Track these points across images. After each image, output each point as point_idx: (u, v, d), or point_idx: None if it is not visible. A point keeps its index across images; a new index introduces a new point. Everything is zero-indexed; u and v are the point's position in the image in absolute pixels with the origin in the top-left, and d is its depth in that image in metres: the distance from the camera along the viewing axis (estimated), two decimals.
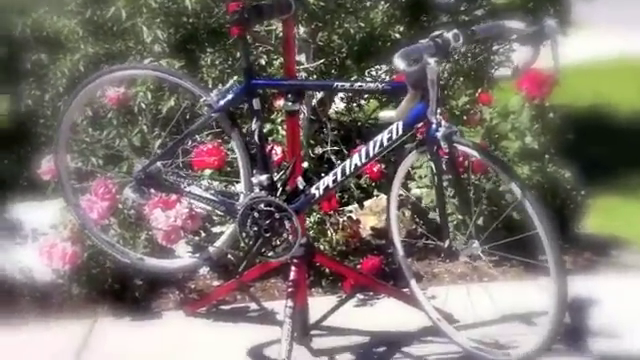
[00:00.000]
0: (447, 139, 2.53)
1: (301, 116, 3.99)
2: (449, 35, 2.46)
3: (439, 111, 2.52)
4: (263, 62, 4.06)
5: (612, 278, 3.58)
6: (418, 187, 3.77)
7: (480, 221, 3.15)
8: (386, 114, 2.49)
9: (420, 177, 3.73)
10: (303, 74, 3.98)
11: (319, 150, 4.27)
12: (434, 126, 2.53)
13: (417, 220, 3.72)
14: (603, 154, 4.90)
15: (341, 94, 4.52)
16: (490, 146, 3.61)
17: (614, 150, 5.01)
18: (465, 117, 4.03)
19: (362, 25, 4.20)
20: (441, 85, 4.06)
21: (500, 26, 2.62)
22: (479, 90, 4.08)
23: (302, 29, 4.03)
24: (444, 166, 2.58)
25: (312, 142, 4.29)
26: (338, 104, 4.77)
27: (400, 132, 2.60)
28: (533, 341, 2.69)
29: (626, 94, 5.99)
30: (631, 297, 3.36)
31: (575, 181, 3.82)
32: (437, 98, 2.46)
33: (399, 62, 2.32)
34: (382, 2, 4.26)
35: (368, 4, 4.28)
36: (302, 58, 4.09)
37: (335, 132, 4.41)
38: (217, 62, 4.01)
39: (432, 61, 2.35)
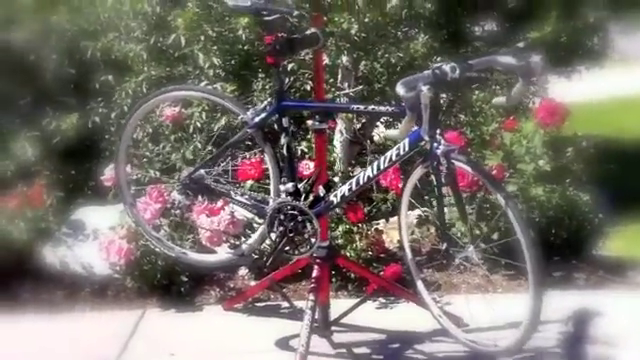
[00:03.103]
0: (445, 156, 3.17)
1: (340, 138, 4.73)
2: (447, 67, 3.11)
3: (439, 131, 3.16)
4: (308, 87, 4.77)
5: (621, 295, 4.08)
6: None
7: (495, 236, 3.80)
8: (391, 133, 3.18)
9: (444, 196, 4.36)
10: (345, 99, 4.67)
11: (359, 170, 4.94)
12: (434, 144, 3.17)
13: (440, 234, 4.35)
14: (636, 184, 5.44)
15: (382, 119, 5.21)
16: (508, 168, 4.24)
17: None
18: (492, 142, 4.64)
19: (402, 55, 4.86)
20: (473, 112, 4.80)
21: (494, 60, 3.23)
22: (510, 117, 4.68)
23: (345, 58, 4.73)
24: (443, 179, 3.24)
25: (353, 162, 4.98)
26: (382, 128, 5.44)
27: (407, 149, 3.24)
28: (513, 339, 3.27)
29: None
30: (635, 312, 3.84)
31: (593, 205, 4.39)
32: (434, 120, 3.10)
33: (399, 89, 2.99)
34: (422, 34, 4.92)
35: (409, 36, 4.95)
36: (344, 85, 4.78)
37: (376, 155, 5.08)
38: (267, 87, 4.71)
39: (425, 88, 2.99)
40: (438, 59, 4.92)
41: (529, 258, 3.10)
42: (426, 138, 3.13)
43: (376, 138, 5.35)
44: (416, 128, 3.14)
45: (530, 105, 4.96)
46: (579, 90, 5.38)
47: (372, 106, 3.40)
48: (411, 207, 4.22)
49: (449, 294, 4.13)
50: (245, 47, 4.90)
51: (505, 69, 3.30)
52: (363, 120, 5.04)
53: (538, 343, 3.42)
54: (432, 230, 4.38)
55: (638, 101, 6.96)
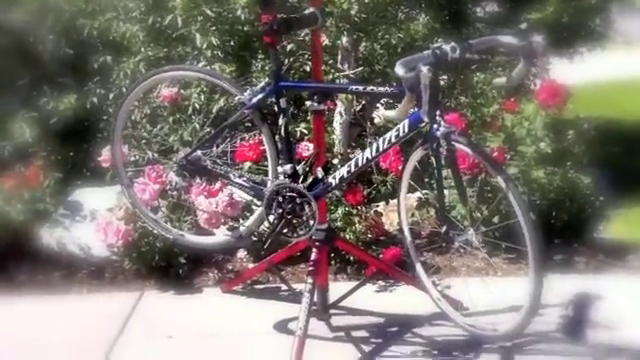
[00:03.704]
0: (445, 138, 3.09)
1: (340, 119, 4.65)
2: (447, 47, 3.03)
3: (438, 112, 3.09)
4: (307, 69, 4.68)
5: (621, 279, 4.02)
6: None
7: (496, 219, 3.74)
8: (389, 114, 3.09)
9: (445, 178, 4.28)
10: (345, 80, 4.59)
11: (358, 152, 4.87)
12: (434, 126, 3.10)
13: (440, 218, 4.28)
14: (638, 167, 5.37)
15: (382, 100, 5.13)
16: (509, 150, 4.17)
17: None
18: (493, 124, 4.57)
19: (402, 36, 4.79)
20: (474, 93, 4.72)
21: (494, 40, 3.16)
22: (511, 99, 4.60)
23: (344, 39, 4.64)
24: (443, 161, 3.16)
25: (353, 144, 4.90)
26: (382, 110, 5.36)
27: (406, 130, 3.16)
28: (513, 323, 3.21)
29: None
30: (637, 297, 3.79)
31: (594, 188, 4.32)
32: (434, 101, 3.03)
33: (399, 69, 2.91)
34: (422, 15, 4.84)
35: (409, 16, 4.87)
36: (344, 66, 4.69)
37: (376, 137, 5.01)
38: (267, 68, 4.63)
39: (425, 69, 2.91)
40: (439, 40, 4.88)
41: (530, 241, 3.03)
42: (426, 119, 3.05)
43: (376, 120, 5.28)
44: (416, 109, 3.07)
45: (531, 87, 4.90)
46: (581, 72, 5.30)
47: (371, 87, 3.33)
48: (411, 190, 4.17)
49: (449, 277, 4.07)
50: (244, 28, 4.82)
51: (506, 49, 3.23)
52: (363, 102, 4.98)
53: (538, 327, 3.35)
54: (432, 213, 4.31)
55: (630, 84, 6.87)
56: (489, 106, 4.60)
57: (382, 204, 4.34)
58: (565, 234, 4.22)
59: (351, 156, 4.76)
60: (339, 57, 4.67)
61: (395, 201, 4.28)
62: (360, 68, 4.63)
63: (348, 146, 4.75)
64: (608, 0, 5.11)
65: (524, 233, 3.04)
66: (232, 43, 4.80)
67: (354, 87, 3.32)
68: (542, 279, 3.06)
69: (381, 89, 3.31)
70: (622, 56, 5.67)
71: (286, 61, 4.63)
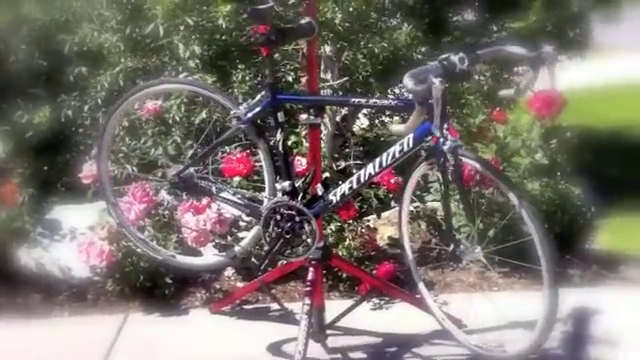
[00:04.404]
0: (452, 152, 2.90)
1: (325, 131, 4.44)
2: (455, 58, 2.85)
3: (446, 126, 2.90)
4: (290, 79, 4.47)
5: (617, 292, 3.88)
6: (434, 200, 4.16)
7: (491, 232, 3.55)
8: (397, 128, 2.88)
9: (436, 190, 4.11)
10: (328, 91, 4.39)
11: (342, 164, 4.67)
12: (441, 140, 2.91)
13: (432, 231, 4.10)
14: (622, 176, 5.26)
15: (365, 111, 4.94)
16: (502, 162, 3.99)
17: (633, 173, 5.35)
18: (481, 134, 4.40)
19: (386, 45, 4.59)
20: (460, 104, 4.56)
21: (503, 51, 2.99)
22: (496, 109, 4.44)
23: (328, 48, 4.44)
24: (450, 176, 2.97)
25: (336, 156, 4.70)
26: (363, 120, 5.18)
27: (411, 145, 2.97)
28: (526, 342, 3.05)
29: None
30: (633, 309, 3.64)
31: (585, 198, 4.17)
32: (443, 114, 2.84)
33: (408, 81, 2.71)
34: (405, 24, 4.66)
35: (392, 25, 4.68)
36: (327, 75, 4.50)
37: (359, 147, 4.82)
38: (247, 78, 4.39)
39: (437, 81, 2.72)
40: (422, 49, 4.72)
41: (545, 258, 2.90)
42: (438, 134, 2.86)
43: (355, 129, 5.10)
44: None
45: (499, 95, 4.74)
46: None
47: (374, 100, 3.12)
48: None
49: (444, 293, 3.88)
50: (223, 37, 4.58)
51: (515, 59, 3.04)
52: (344, 112, 4.78)
53: None
54: (423, 226, 4.12)
55: (611, 91, 6.79)
56: (475, 116, 4.42)
57: (372, 218, 4.14)
58: (558, 246, 4.03)
59: (336, 167, 4.60)
60: (322, 66, 4.47)
61: (386, 214, 4.17)
62: (345, 78, 4.42)
63: (332, 158, 4.55)
64: (589, 9, 4.97)
65: (539, 250, 2.89)
66: (210, 53, 4.57)
67: (356, 100, 3.11)
68: (558, 297, 2.92)
69: (385, 102, 3.12)
70: (596, 64, 5.59)
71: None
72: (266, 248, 3.24)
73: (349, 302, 3.70)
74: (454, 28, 5.00)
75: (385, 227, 4.11)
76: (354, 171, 4.55)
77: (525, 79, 2.99)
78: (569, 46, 5.01)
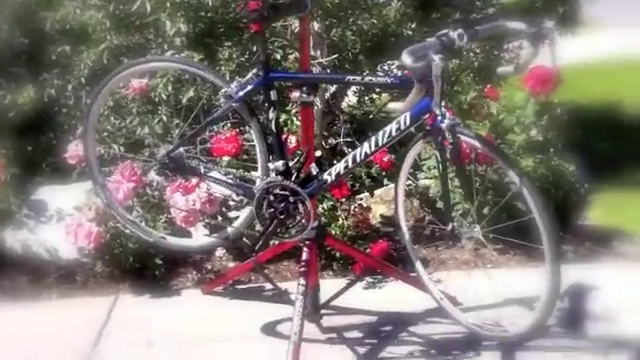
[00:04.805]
0: (451, 130, 2.80)
1: (315, 108, 4.32)
2: (454, 34, 2.74)
3: (444, 104, 2.80)
4: (278, 56, 4.34)
5: (611, 267, 3.80)
6: (426, 177, 4.06)
7: (486, 210, 3.46)
8: (394, 106, 2.77)
9: (429, 168, 4.01)
10: (317, 68, 4.27)
11: (332, 141, 4.57)
12: (439, 118, 2.80)
13: (425, 208, 4.01)
14: (610, 150, 5.17)
15: (354, 88, 4.82)
16: (496, 139, 3.89)
17: (621, 146, 5.26)
18: (473, 111, 4.30)
19: (375, 22, 4.48)
20: (451, 81, 4.45)
21: (502, 26, 2.88)
22: (487, 85, 4.35)
23: (317, 25, 4.31)
24: (448, 155, 2.87)
25: (325, 134, 4.59)
26: (351, 98, 5.06)
27: (408, 123, 2.87)
28: (528, 321, 2.97)
29: (634, 91, 6.24)
30: (629, 285, 3.57)
31: (578, 174, 4.09)
32: (441, 92, 2.73)
33: (406, 58, 2.60)
34: (395, 1, 4.54)
35: (381, 1, 4.57)
36: (317, 53, 4.38)
37: (348, 124, 4.71)
38: (234, 56, 4.28)
39: (437, 58, 2.61)
40: (412, 25, 4.61)
41: (546, 236, 2.79)
42: (438, 112, 2.75)
43: (344, 106, 4.99)
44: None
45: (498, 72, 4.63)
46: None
47: (369, 77, 3.01)
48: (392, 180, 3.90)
49: (439, 271, 3.77)
50: (209, 14, 4.44)
51: (514, 35, 2.93)
52: (333, 89, 4.67)
53: None
54: (415, 204, 4.02)
55: (601, 66, 6.69)
56: (466, 93, 4.31)
57: (364, 196, 4.04)
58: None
59: (326, 146, 4.49)
60: (311, 44, 4.34)
61: (379, 192, 4.08)
62: (335, 55, 4.31)
63: (321, 135, 4.43)
64: None
65: (540, 228, 2.80)
66: (197, 30, 4.43)
67: (351, 77, 2.98)
68: (559, 276, 2.83)
69: (380, 79, 3.01)
70: (586, 39, 5.49)
71: (254, 48, 4.29)
72: (259, 228, 3.14)
73: (343, 281, 3.65)
74: (444, 4, 4.90)
75: (377, 205, 4.01)
76: (344, 148, 4.53)
77: (525, 55, 2.89)
78: (559, 22, 4.91)
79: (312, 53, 4.31)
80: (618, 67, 6.84)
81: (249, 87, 3.06)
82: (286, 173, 3.06)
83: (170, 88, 4.14)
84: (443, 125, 2.80)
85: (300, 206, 3.03)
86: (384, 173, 4.03)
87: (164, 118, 4.07)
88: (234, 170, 3.24)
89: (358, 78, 3.04)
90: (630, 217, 4.33)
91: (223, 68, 4.24)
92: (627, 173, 4.88)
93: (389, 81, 2.97)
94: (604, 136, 5.36)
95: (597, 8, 5.32)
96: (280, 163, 3.05)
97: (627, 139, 5.39)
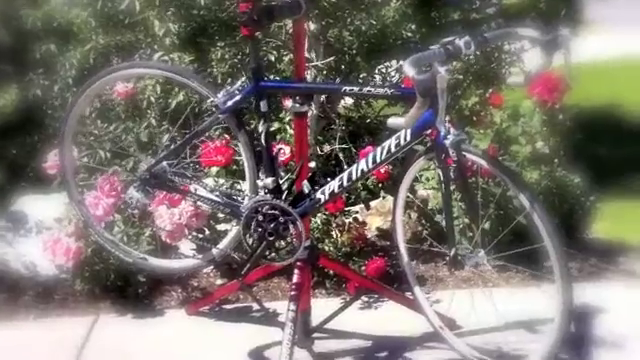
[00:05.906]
0: (456, 148, 2.47)
1: (309, 113, 3.96)
2: (461, 42, 2.41)
3: (447, 118, 2.46)
4: (272, 58, 4.00)
5: (618, 286, 3.50)
6: (425, 189, 3.71)
7: (487, 225, 3.11)
8: (395, 121, 2.41)
9: (427, 179, 3.67)
10: (313, 71, 3.92)
11: (327, 148, 4.21)
12: (442, 134, 2.47)
13: (423, 223, 3.66)
14: (613, 156, 4.85)
15: None
16: (499, 150, 3.55)
17: (624, 152, 4.96)
18: (475, 118, 3.95)
19: (373, 22, 4.13)
20: (450, 88, 4.10)
21: (512, 33, 2.55)
22: (489, 91, 4.00)
23: (313, 25, 3.96)
24: (452, 174, 2.53)
25: (320, 139, 4.23)
26: (347, 100, 4.70)
27: (408, 139, 2.54)
28: (537, 351, 2.65)
29: (635, 94, 5.92)
30: (636, 307, 3.28)
31: (584, 186, 3.75)
32: (446, 106, 2.39)
33: (409, 69, 2.25)
34: (394, 0, 4.19)
35: (380, 1, 4.21)
36: (312, 55, 4.03)
37: (343, 129, 4.35)
38: (227, 56, 3.94)
39: (443, 70, 2.28)
40: (411, 26, 4.25)
41: (558, 264, 2.49)
42: (442, 130, 2.41)
43: (339, 108, 4.63)
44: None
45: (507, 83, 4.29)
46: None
47: (367, 88, 2.64)
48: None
49: (437, 290, 3.46)
50: (201, 12, 4.08)
51: (528, 43, 2.59)
52: None
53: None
54: (413, 217, 3.67)
55: (603, 67, 6.33)
56: (467, 98, 3.96)
57: (359, 208, 3.68)
58: None
59: (320, 153, 4.13)
60: (306, 45, 3.99)
61: (374, 204, 3.73)
62: (332, 58, 3.95)
63: (315, 141, 4.08)
64: None
65: (552, 258, 2.49)
66: (188, 30, 4.07)
67: (348, 88, 2.64)
68: (571, 307, 2.54)
69: (379, 91, 2.63)
70: (588, 40, 5.16)
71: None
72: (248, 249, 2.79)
73: (336, 300, 3.34)
74: (444, 4, 4.55)
75: (373, 217, 3.66)
76: (340, 155, 4.18)
77: (537, 64, 2.55)
78: (562, 23, 4.57)
79: (307, 55, 3.97)
80: (620, 68, 6.51)
81: (237, 97, 2.72)
82: (276, 191, 2.72)
83: (159, 91, 3.79)
84: (447, 142, 2.48)
85: (291, 227, 2.69)
86: (380, 185, 3.67)
87: (153, 122, 3.72)
88: (222, 182, 2.89)
89: (355, 89, 2.69)
90: (634, 227, 4.00)
91: (215, 70, 3.90)
92: (631, 181, 4.54)
93: (389, 92, 2.62)
94: (606, 140, 5.03)
95: (597, 9, 4.98)
96: (270, 180, 2.72)
97: (630, 145, 5.05)
